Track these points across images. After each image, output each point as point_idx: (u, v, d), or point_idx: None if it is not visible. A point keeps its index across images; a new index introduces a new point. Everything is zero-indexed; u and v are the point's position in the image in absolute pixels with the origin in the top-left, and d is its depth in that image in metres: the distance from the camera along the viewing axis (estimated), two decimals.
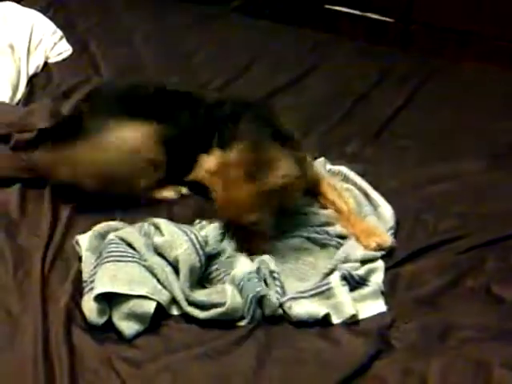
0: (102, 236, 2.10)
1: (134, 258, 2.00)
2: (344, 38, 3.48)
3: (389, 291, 2.04)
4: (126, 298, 1.90)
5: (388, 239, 2.15)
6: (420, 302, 2.00)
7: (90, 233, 2.13)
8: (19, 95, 2.85)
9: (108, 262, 1.96)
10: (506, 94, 2.94)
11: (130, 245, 2.04)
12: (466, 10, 3.61)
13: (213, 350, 1.85)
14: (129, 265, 1.97)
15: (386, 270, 2.10)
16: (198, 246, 2.01)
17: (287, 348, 1.87)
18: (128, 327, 1.88)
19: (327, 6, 3.95)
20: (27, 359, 1.78)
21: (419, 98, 2.95)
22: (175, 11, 3.54)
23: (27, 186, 2.34)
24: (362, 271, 2.05)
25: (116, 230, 2.12)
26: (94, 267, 2.00)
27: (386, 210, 2.26)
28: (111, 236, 2.06)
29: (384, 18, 3.85)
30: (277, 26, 3.45)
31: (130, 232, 2.09)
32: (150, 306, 1.90)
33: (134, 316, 1.89)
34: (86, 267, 2.04)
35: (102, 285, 1.90)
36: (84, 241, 2.11)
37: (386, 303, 2.00)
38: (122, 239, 2.05)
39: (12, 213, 2.25)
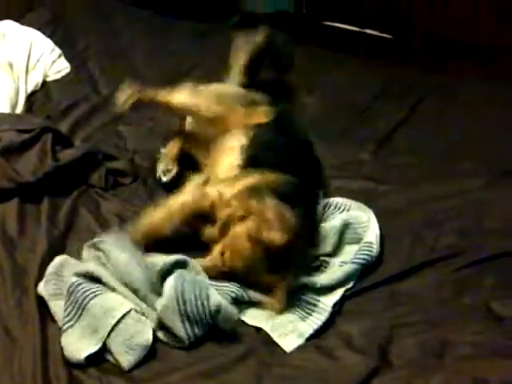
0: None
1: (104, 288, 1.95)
2: (343, 54, 3.48)
3: (387, 307, 2.04)
4: (121, 329, 1.87)
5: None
6: (418, 319, 2.00)
7: None
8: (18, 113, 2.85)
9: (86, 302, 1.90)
10: (507, 108, 2.92)
11: (96, 279, 1.97)
12: (465, 24, 3.62)
13: (212, 368, 1.85)
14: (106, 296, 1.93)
15: (384, 285, 2.11)
16: None
17: (286, 365, 1.87)
18: (127, 360, 1.84)
19: (326, 23, 3.96)
20: (26, 378, 1.78)
21: (419, 114, 2.95)
22: (174, 28, 3.56)
23: (25, 201, 2.34)
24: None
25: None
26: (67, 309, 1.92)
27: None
28: (74, 279, 1.95)
29: (383, 35, 3.86)
30: None
31: (94, 266, 2.01)
32: (147, 337, 1.88)
33: (131, 348, 1.85)
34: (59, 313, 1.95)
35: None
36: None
37: (385, 319, 2.00)
38: (85, 276, 1.97)
39: (10, 228, 2.25)
